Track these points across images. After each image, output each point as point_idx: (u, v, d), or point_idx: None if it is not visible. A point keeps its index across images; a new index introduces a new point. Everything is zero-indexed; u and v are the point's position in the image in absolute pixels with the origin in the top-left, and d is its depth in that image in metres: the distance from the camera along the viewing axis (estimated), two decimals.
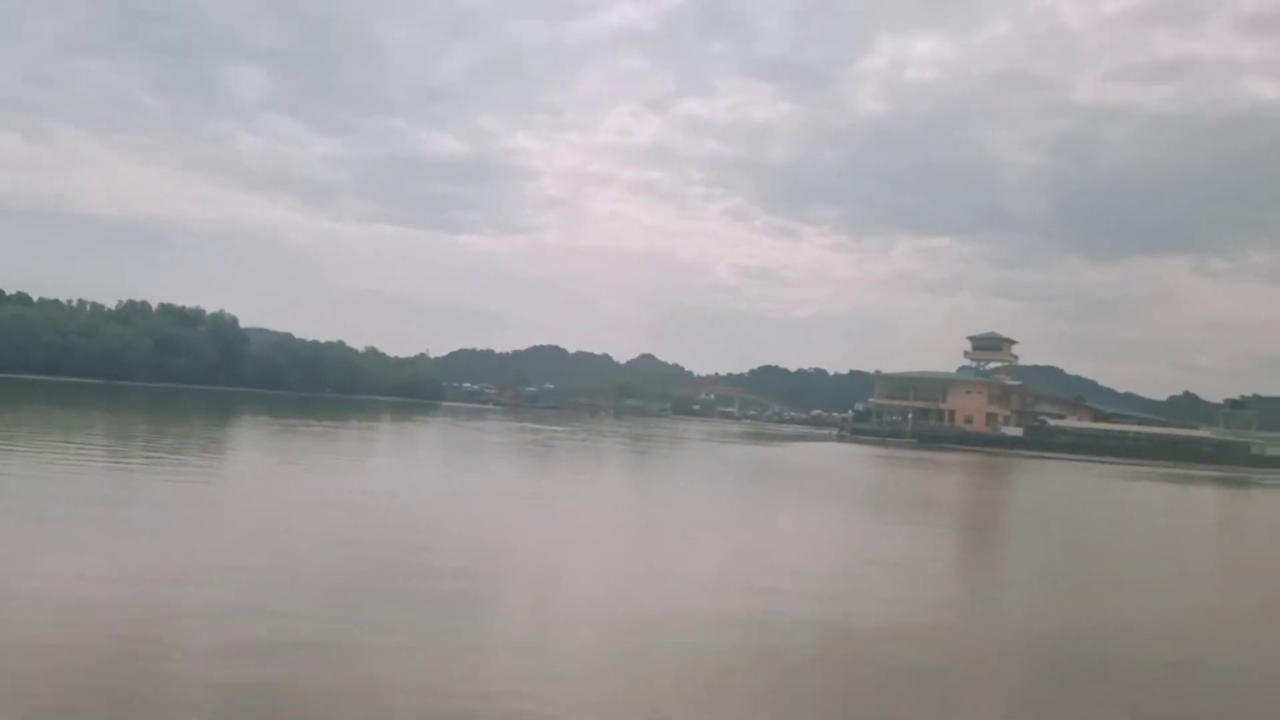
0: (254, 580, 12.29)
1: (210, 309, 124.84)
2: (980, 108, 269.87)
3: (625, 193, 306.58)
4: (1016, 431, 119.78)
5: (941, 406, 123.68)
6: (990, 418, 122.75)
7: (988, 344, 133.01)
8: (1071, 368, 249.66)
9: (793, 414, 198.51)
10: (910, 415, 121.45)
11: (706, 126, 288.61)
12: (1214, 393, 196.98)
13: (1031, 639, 12.85)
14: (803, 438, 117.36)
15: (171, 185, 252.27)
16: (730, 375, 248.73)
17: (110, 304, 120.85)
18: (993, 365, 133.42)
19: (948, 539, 25.15)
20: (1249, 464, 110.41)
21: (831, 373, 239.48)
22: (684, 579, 15.41)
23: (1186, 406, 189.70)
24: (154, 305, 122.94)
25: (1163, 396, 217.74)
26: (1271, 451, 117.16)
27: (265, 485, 24.41)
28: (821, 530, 24.97)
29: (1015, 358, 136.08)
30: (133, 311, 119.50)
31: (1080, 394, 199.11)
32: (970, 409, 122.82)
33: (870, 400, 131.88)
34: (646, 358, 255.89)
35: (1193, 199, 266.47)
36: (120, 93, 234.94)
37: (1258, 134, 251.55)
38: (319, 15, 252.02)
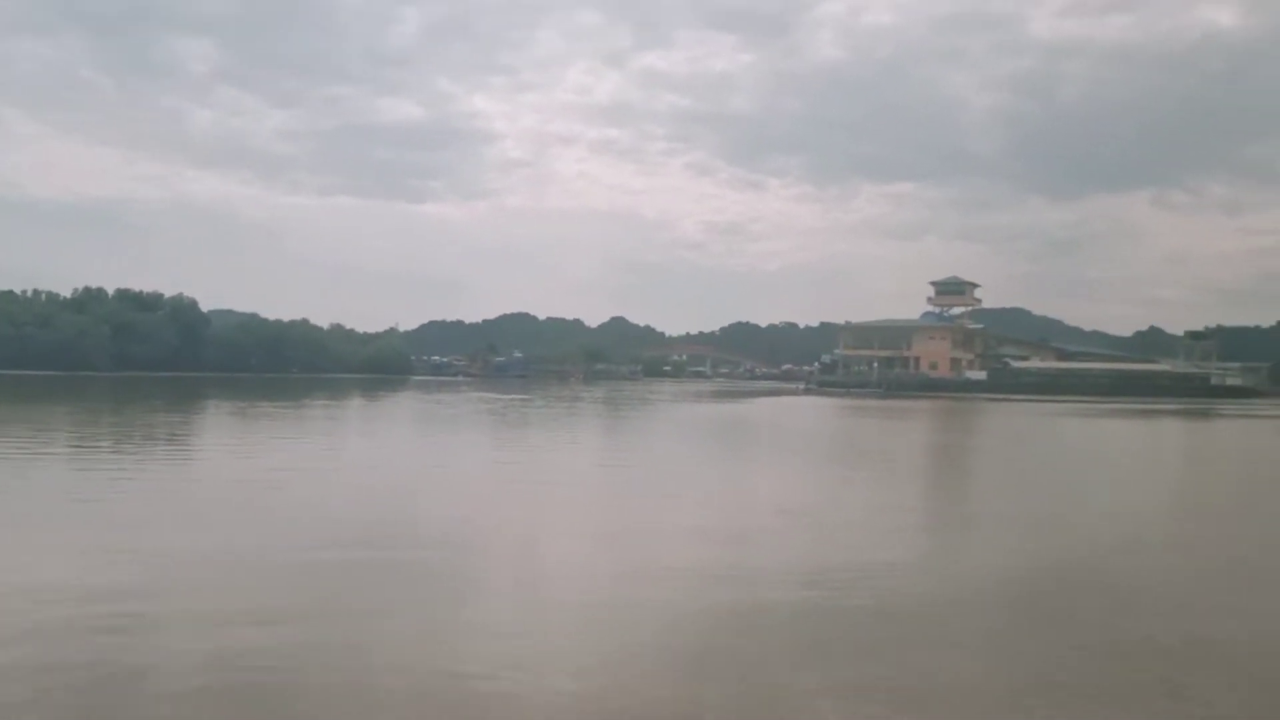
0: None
1: (169, 292, 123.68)
2: (938, 49, 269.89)
3: (588, 152, 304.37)
4: (981, 375, 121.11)
5: (906, 354, 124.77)
6: (954, 363, 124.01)
7: (950, 289, 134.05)
8: (1038, 308, 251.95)
9: (765, 370, 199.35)
10: (875, 364, 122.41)
11: (666, 80, 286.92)
12: (1178, 326, 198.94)
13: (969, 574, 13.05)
14: (771, 393, 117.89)
15: (120, 164, 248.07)
16: (702, 334, 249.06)
17: (66, 292, 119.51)
18: (956, 310, 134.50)
19: (862, 483, 25.45)
20: (1209, 394, 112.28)
21: (802, 325, 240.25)
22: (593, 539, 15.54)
23: (1151, 341, 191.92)
24: (110, 291, 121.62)
25: (1128, 332, 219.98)
26: (1230, 381, 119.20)
27: (182, 473, 24.33)
28: (744, 482, 25.19)
29: (978, 301, 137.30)
30: (89, 299, 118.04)
31: (1046, 334, 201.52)
32: (934, 355, 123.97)
33: (836, 352, 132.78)
34: (618, 320, 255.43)
35: (1151, 132, 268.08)
36: (62, 71, 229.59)
37: (1214, 63, 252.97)
38: None
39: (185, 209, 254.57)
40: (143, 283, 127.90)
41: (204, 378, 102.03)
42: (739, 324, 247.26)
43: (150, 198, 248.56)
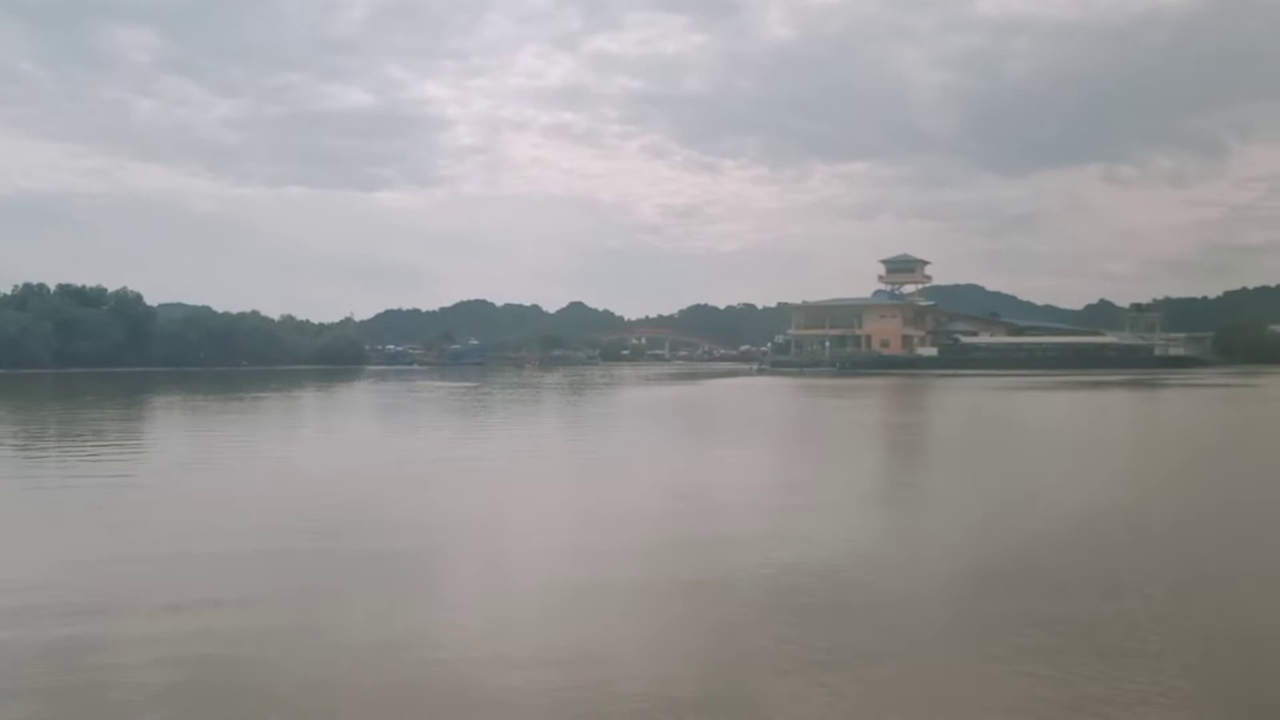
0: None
1: (118, 286, 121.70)
2: (888, 26, 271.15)
3: (542, 137, 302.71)
4: (931, 351, 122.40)
5: (858, 332, 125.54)
6: (906, 339, 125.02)
7: (901, 266, 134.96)
8: (992, 284, 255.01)
9: (723, 351, 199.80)
10: (828, 343, 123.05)
11: (618, 62, 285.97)
12: (1128, 299, 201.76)
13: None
14: (725, 374, 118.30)
15: (62, 158, 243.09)
16: (661, 317, 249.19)
17: (6, 289, 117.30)
18: (908, 287, 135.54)
19: (769, 462, 25.59)
20: (1153, 365, 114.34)
21: (760, 306, 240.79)
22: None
23: (1102, 314, 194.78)
24: (53, 287, 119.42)
25: (1080, 306, 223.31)
26: (1174, 351, 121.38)
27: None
28: (650, 466, 25.19)
29: (929, 278, 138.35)
30: (30, 295, 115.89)
31: (1000, 309, 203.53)
32: (886, 332, 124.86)
33: (789, 332, 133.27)
34: (576, 305, 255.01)
35: (1098, 107, 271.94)
36: (0, 63, 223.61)
37: (1157, 37, 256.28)
38: None
39: (131, 202, 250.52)
40: (90, 278, 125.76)
41: (149, 373, 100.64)
42: (698, 306, 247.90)
43: (95, 191, 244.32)
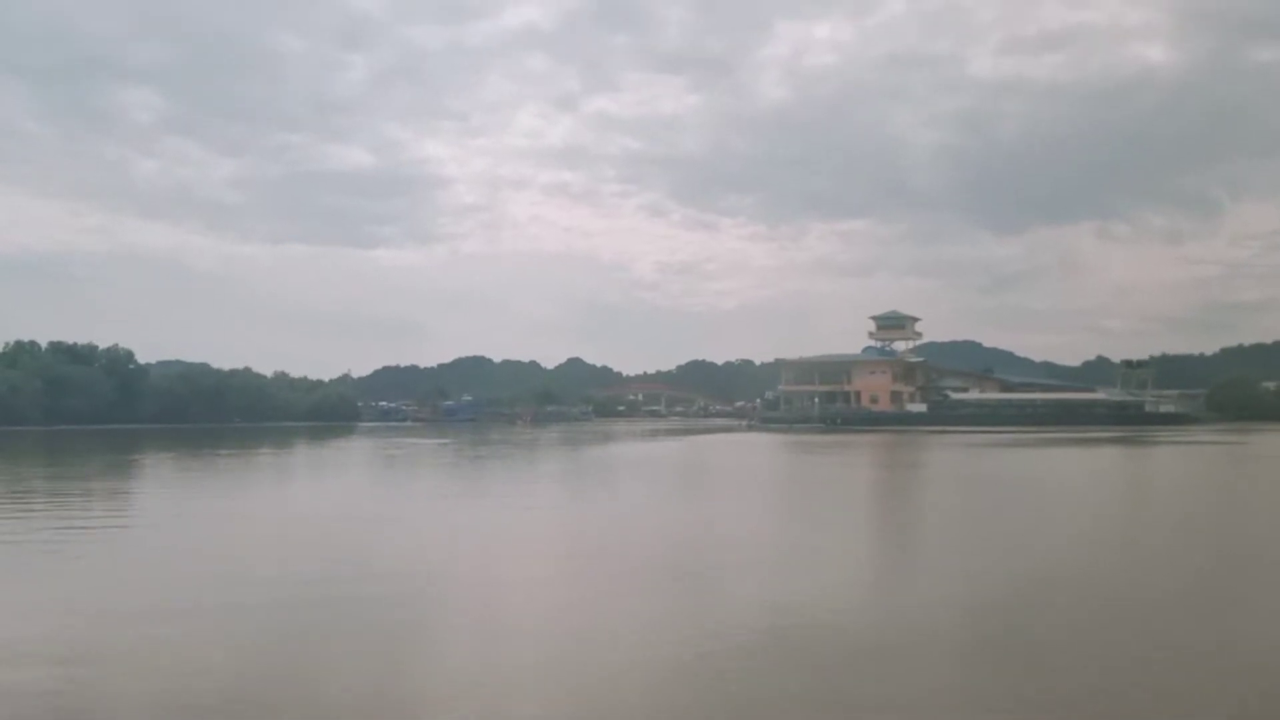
0: None
1: (115, 343, 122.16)
2: (881, 88, 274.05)
3: (541, 195, 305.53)
4: (921, 408, 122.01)
5: (847, 388, 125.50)
6: (895, 395, 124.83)
7: (891, 323, 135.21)
8: (989, 340, 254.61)
9: (719, 407, 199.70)
10: (817, 399, 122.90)
11: (616, 123, 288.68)
12: (1125, 355, 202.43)
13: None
14: (715, 430, 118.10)
15: (63, 216, 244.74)
16: (660, 373, 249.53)
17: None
18: (898, 343, 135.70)
19: (713, 519, 25.55)
20: (1143, 422, 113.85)
21: (758, 362, 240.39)
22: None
23: (1099, 370, 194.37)
24: (44, 344, 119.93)
25: (1077, 362, 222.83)
26: (1164, 408, 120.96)
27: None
28: (590, 522, 25.11)
29: (919, 334, 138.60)
30: (20, 352, 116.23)
31: (997, 365, 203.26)
32: (875, 388, 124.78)
33: (780, 388, 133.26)
34: (574, 361, 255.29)
35: (1090, 166, 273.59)
36: (3, 122, 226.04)
37: (1147, 98, 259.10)
38: (208, 30, 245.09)
39: (131, 260, 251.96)
40: (89, 336, 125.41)
41: (139, 430, 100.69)
42: (696, 362, 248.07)
43: (95, 249, 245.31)
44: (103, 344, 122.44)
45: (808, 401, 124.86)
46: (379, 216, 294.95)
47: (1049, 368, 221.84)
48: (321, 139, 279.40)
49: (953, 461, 53.02)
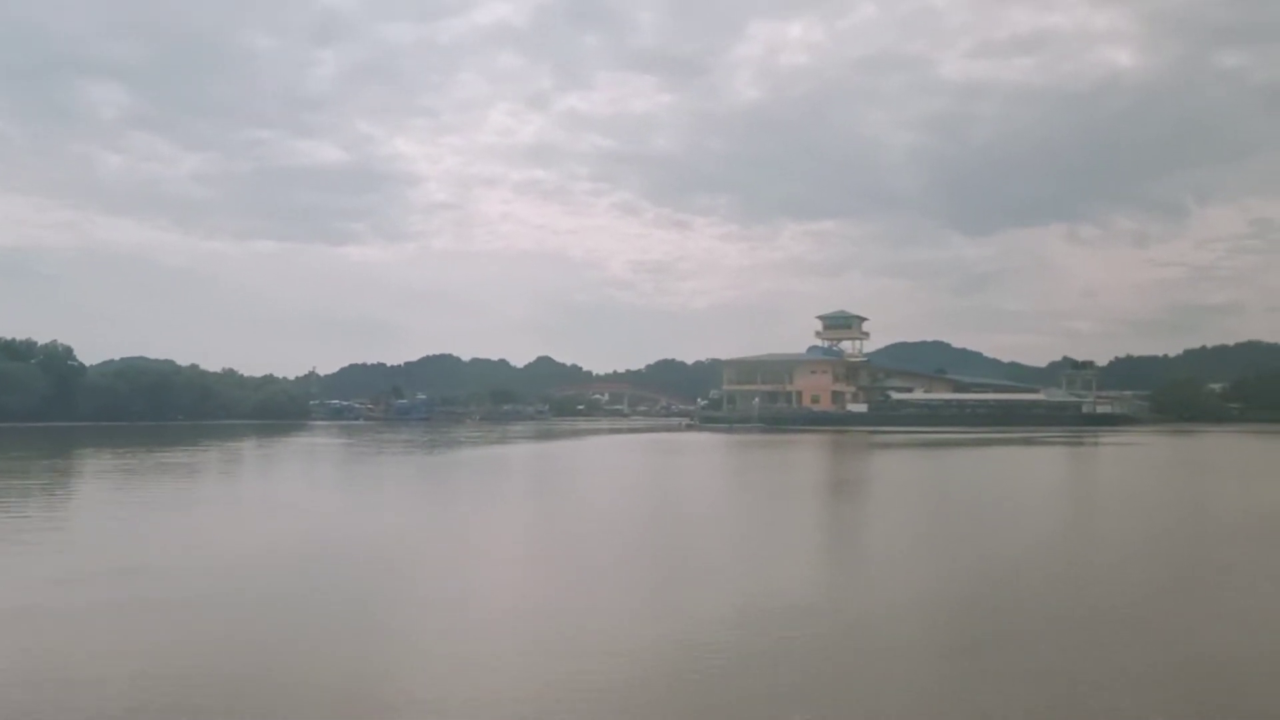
0: None
1: (54, 340, 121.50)
2: (855, 89, 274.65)
3: (513, 193, 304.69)
4: (861, 407, 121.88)
5: (789, 388, 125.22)
6: (836, 396, 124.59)
7: (838, 323, 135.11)
8: (958, 340, 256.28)
9: (681, 406, 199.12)
10: (757, 399, 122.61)
11: (588, 121, 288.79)
12: (1091, 356, 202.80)
13: None
14: (655, 429, 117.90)
15: (30, 213, 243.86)
16: (630, 372, 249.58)
17: None
18: (845, 343, 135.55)
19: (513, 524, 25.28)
20: (1081, 422, 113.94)
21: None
22: None
23: (1062, 371, 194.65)
24: None
25: (1044, 363, 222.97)
26: (1102, 409, 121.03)
27: None
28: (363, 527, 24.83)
29: (866, 335, 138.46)
30: None
31: (965, 366, 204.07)
32: (816, 388, 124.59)
33: (723, 387, 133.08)
34: (544, 360, 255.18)
35: (1060, 169, 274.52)
36: None
37: (1115, 101, 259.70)
38: (176, 26, 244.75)
39: (98, 256, 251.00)
40: (55, 333, 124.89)
41: (69, 428, 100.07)
42: (665, 361, 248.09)
43: (61, 245, 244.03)
44: (66, 340, 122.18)
45: (749, 401, 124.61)
46: (349, 213, 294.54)
47: (1016, 368, 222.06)
48: (292, 135, 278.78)
49: (820, 463, 52.82)
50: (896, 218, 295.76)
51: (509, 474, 44.66)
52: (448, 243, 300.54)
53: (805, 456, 58.94)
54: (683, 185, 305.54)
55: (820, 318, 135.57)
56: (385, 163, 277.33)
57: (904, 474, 44.91)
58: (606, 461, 54.77)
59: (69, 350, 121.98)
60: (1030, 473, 46.86)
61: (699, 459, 56.16)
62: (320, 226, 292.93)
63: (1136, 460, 54.59)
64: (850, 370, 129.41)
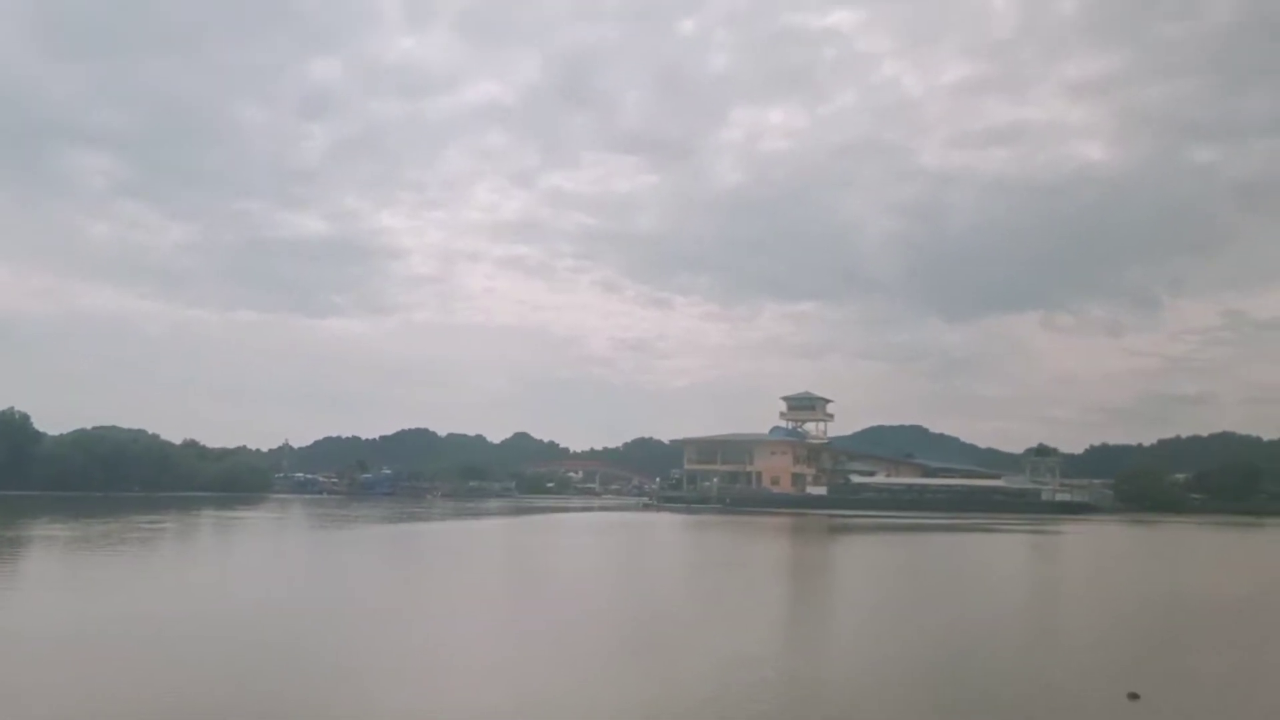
0: None
1: (11, 407, 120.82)
2: (835, 175, 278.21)
3: (496, 268, 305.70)
4: (821, 490, 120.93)
5: (749, 469, 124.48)
6: (797, 477, 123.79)
7: (802, 404, 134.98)
8: (936, 425, 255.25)
9: (652, 486, 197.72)
10: (716, 480, 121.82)
11: (572, 199, 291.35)
12: (1070, 443, 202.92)
13: None
14: (609, 509, 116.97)
15: (11, 279, 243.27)
16: (606, 450, 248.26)
17: None
18: (809, 424, 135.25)
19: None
20: (1040, 510, 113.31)
21: None
22: None
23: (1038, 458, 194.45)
24: None
25: (1020, 449, 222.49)
26: (1061, 497, 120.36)
27: None
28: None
29: (830, 416, 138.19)
30: None
31: (941, 451, 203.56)
32: (776, 470, 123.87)
33: (685, 467, 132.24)
34: (521, 436, 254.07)
35: (1034, 258, 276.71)
36: None
37: (1087, 194, 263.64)
38: (166, 96, 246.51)
39: (77, 323, 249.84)
40: (30, 401, 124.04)
41: (28, 497, 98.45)
42: (641, 439, 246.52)
43: (39, 311, 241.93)
44: (33, 408, 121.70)
45: (710, 481, 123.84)
46: (332, 285, 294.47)
47: (993, 455, 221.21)
48: (279, 207, 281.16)
49: (732, 545, 52.22)
50: (875, 301, 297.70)
51: (405, 550, 43.97)
52: (430, 315, 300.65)
53: (725, 538, 58.28)
54: (664, 264, 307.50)
55: (785, 399, 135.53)
56: (370, 236, 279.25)
57: (840, 559, 44.47)
58: (516, 541, 54.04)
59: (25, 417, 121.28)
60: (958, 560, 46.40)
61: (617, 538, 55.57)
62: (303, 298, 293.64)
63: (1071, 550, 54.56)
64: (812, 452, 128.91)
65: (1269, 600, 29.99)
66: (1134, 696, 14.57)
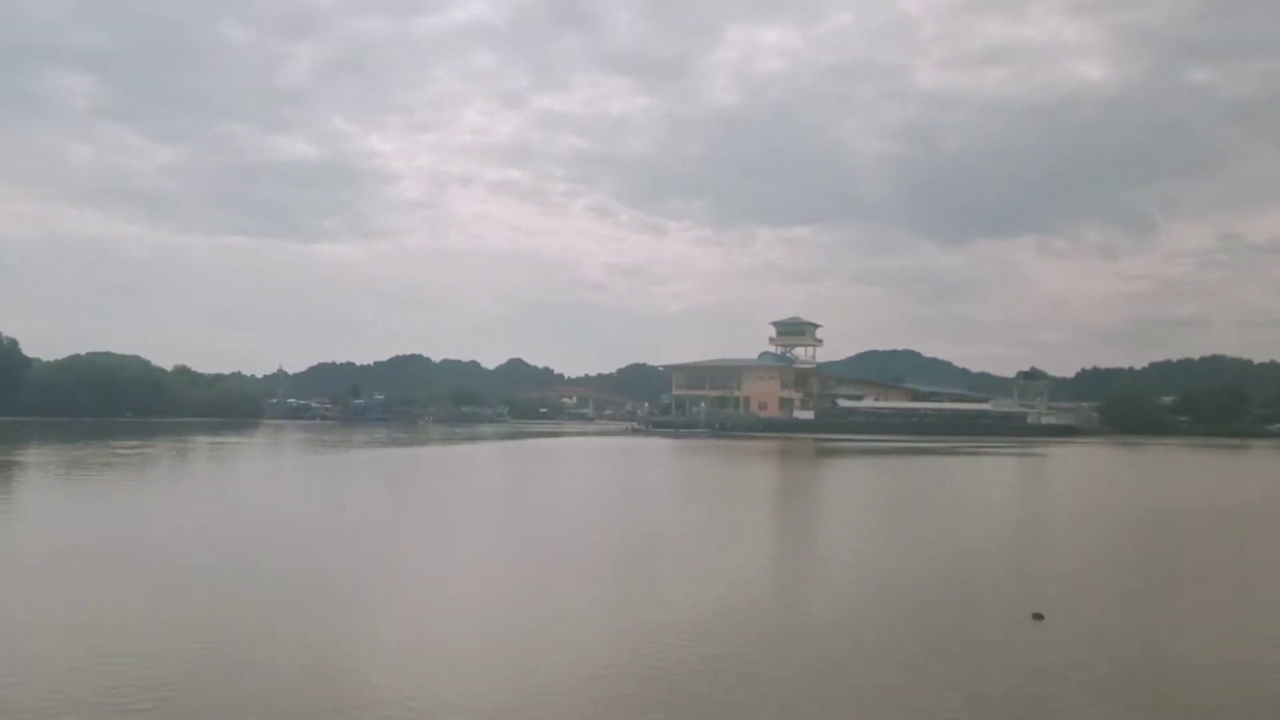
0: None
1: (40, 335, 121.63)
2: (829, 96, 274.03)
3: (487, 193, 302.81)
4: (808, 414, 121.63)
5: (737, 394, 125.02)
6: (785, 402, 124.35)
7: (791, 329, 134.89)
8: (929, 350, 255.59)
9: (642, 410, 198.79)
10: (704, 405, 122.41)
11: (564, 122, 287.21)
12: (1061, 367, 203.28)
13: None
14: (603, 434, 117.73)
15: None
16: (601, 375, 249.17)
17: None
18: (798, 349, 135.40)
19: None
20: (1025, 433, 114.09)
21: None
22: None
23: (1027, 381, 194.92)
24: None
25: (1013, 373, 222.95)
26: (1047, 420, 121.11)
27: None
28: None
29: (819, 341, 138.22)
30: None
31: (934, 375, 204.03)
32: (764, 395, 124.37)
33: (673, 392, 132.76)
34: (515, 362, 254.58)
35: (1030, 180, 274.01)
36: None
37: (1085, 114, 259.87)
38: (149, 16, 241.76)
39: (63, 247, 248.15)
40: (19, 326, 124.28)
41: (18, 423, 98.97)
42: (636, 365, 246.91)
43: (21, 235, 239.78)
44: (23, 333, 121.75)
45: (698, 406, 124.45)
46: (322, 210, 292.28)
47: (985, 378, 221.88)
48: (265, 130, 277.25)
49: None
50: (869, 225, 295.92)
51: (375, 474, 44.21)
52: (421, 241, 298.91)
53: (704, 461, 58.71)
54: (657, 188, 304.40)
55: (774, 324, 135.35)
56: (359, 159, 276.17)
57: (804, 483, 44.76)
58: (489, 465, 54.33)
59: (14, 343, 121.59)
60: (928, 483, 46.86)
61: (600, 462, 56.00)
62: (292, 223, 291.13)
63: (1045, 473, 55.14)
64: (799, 377, 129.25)
65: (1219, 519, 30.22)
66: (1038, 617, 14.67)
